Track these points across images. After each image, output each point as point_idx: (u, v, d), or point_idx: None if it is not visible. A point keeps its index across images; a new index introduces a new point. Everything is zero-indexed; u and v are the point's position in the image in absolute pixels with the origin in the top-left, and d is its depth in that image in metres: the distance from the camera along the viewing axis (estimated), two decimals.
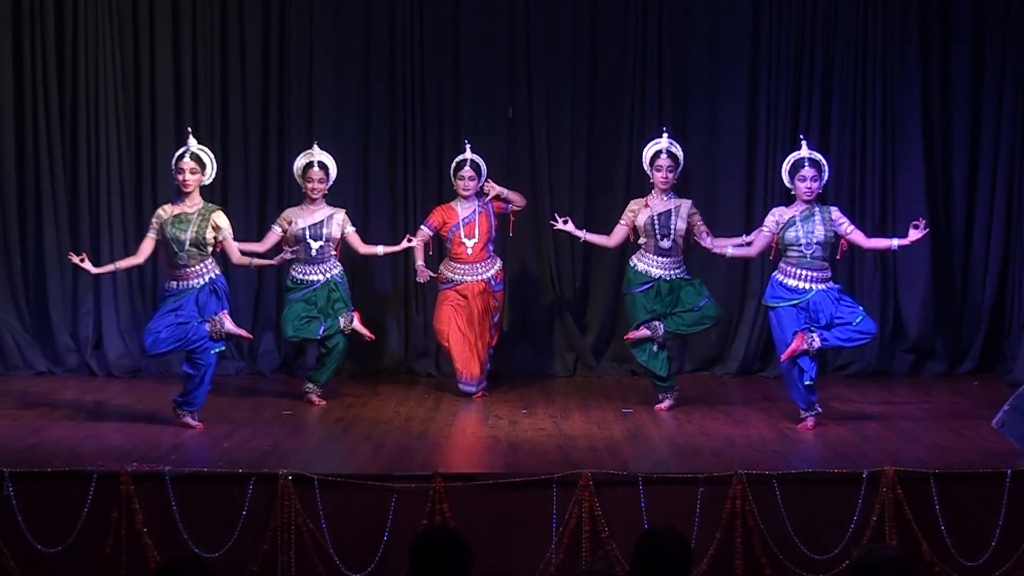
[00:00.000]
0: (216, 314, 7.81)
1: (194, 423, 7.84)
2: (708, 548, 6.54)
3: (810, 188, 7.94)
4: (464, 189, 8.99)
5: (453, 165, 9.13)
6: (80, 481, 6.62)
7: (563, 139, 10.21)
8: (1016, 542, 6.64)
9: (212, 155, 8.02)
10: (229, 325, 7.86)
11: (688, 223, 8.46)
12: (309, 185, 8.72)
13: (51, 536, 6.56)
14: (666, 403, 8.60)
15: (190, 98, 10.02)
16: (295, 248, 8.54)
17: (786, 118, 10.04)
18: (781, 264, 8.00)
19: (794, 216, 7.95)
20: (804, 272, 7.91)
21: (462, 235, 8.97)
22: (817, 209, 7.96)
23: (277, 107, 10.13)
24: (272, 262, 8.52)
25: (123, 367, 9.88)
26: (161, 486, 6.60)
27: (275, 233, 8.76)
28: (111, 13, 9.93)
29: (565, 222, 8.76)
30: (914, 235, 7.97)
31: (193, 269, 7.81)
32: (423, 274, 8.94)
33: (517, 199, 9.12)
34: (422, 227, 9.11)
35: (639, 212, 8.52)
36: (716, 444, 7.53)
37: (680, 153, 8.55)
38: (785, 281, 7.95)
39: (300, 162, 8.83)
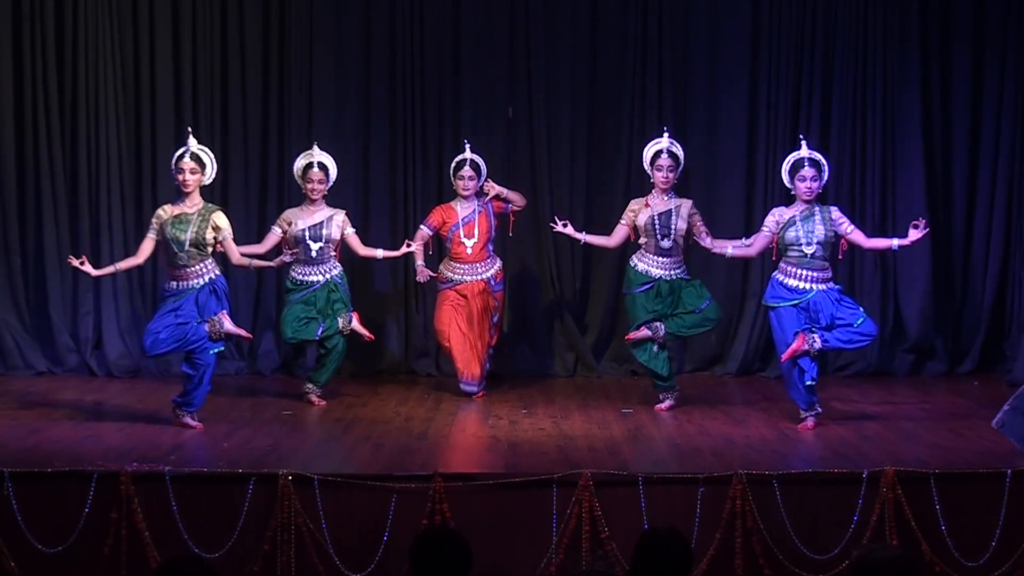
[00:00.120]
0: (215, 314, 7.81)
1: (194, 423, 7.84)
2: (708, 548, 6.54)
3: (810, 188, 7.94)
4: (464, 189, 8.99)
5: (453, 165, 9.13)
6: (80, 481, 6.62)
7: (563, 139, 10.21)
8: (1016, 542, 6.64)
9: (212, 155, 8.02)
10: (228, 325, 7.85)
11: (688, 223, 8.46)
12: (309, 186, 8.72)
13: (51, 536, 6.56)
14: (666, 403, 8.60)
15: (190, 98, 10.02)
16: (294, 251, 8.54)
17: (786, 118, 10.04)
18: (781, 264, 8.00)
19: (794, 216, 7.96)
20: (804, 272, 7.91)
21: (461, 235, 8.97)
22: (817, 209, 7.96)
23: (277, 107, 10.13)
24: (271, 264, 8.54)
25: (123, 367, 9.88)
26: (161, 486, 6.60)
27: (275, 234, 8.76)
28: (111, 13, 9.93)
29: (564, 225, 8.76)
30: (914, 235, 7.97)
31: (193, 269, 7.81)
32: (423, 274, 8.94)
33: (517, 199, 9.12)
34: (422, 227, 9.11)
35: (639, 212, 8.52)
36: (716, 444, 7.53)
37: (680, 153, 8.55)
38: (785, 281, 7.95)
39: (300, 163, 8.83)
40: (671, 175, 8.48)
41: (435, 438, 7.77)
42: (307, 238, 8.66)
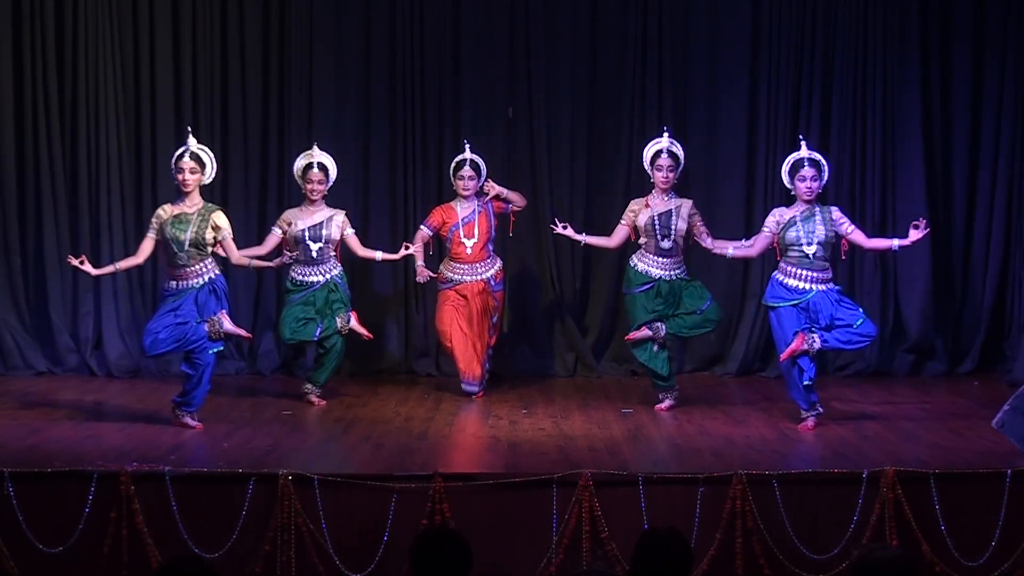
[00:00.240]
0: (215, 314, 7.81)
1: (193, 423, 7.84)
2: (708, 548, 6.54)
3: (810, 188, 7.94)
4: (464, 189, 8.99)
5: (453, 165, 9.13)
6: (80, 481, 6.62)
7: (563, 139, 10.21)
8: (1016, 542, 6.64)
9: (212, 155, 8.02)
10: (228, 325, 7.85)
11: (688, 223, 8.46)
12: (308, 186, 8.72)
13: (51, 536, 6.56)
14: (666, 403, 8.60)
15: (190, 98, 10.02)
16: (294, 252, 8.54)
17: (786, 118, 10.04)
18: (781, 264, 8.00)
19: (794, 216, 7.96)
20: (804, 272, 7.91)
21: (461, 235, 8.97)
22: (817, 209, 7.96)
23: (277, 107, 10.13)
24: (271, 264, 8.54)
25: (123, 367, 9.88)
26: (161, 486, 6.60)
27: (275, 235, 8.76)
28: (111, 13, 9.92)
29: (564, 227, 8.76)
30: (914, 235, 7.97)
31: (192, 269, 7.80)
32: (423, 274, 8.93)
33: (517, 199, 9.12)
34: (422, 227, 9.11)
35: (639, 212, 8.52)
36: (716, 444, 7.53)
37: (681, 153, 8.54)
38: (785, 281, 7.95)
39: (300, 163, 8.83)
40: (671, 175, 8.48)
41: (435, 438, 7.77)
42: (307, 238, 8.65)
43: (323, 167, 8.73)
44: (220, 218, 7.91)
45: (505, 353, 9.88)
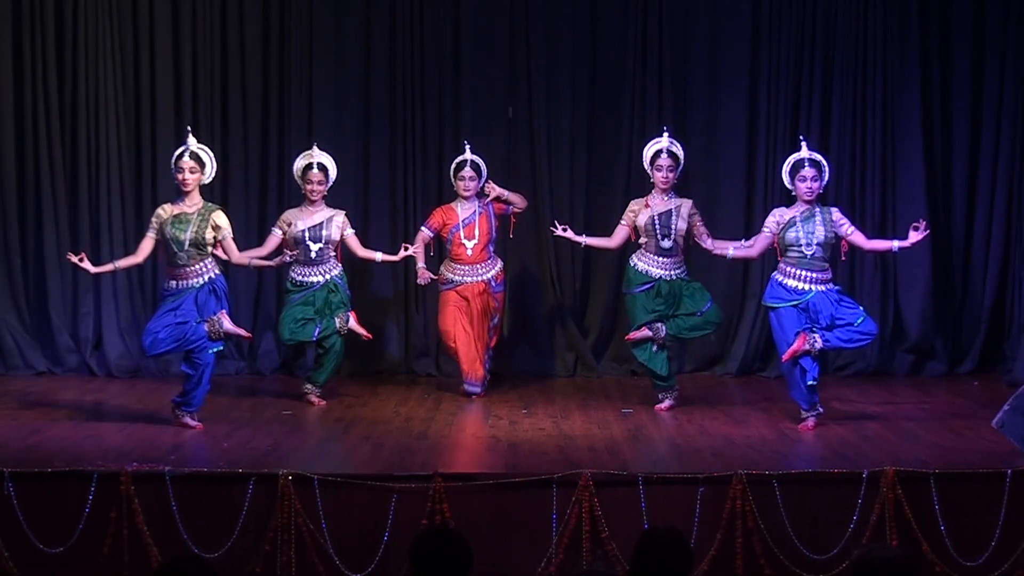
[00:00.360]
0: (215, 314, 7.80)
1: (193, 423, 7.84)
2: (708, 548, 6.54)
3: (810, 188, 7.94)
4: (464, 190, 8.99)
5: (453, 166, 9.13)
6: (80, 481, 6.62)
7: (563, 139, 10.21)
8: (1016, 542, 6.64)
9: (212, 154, 8.02)
10: (227, 325, 7.85)
11: (688, 223, 8.46)
12: (308, 187, 8.71)
13: (51, 536, 6.56)
14: (666, 403, 8.59)
15: (190, 98, 10.02)
16: (295, 251, 8.54)
17: (786, 118, 10.04)
18: (781, 264, 8.00)
19: (794, 217, 7.95)
20: (804, 273, 7.90)
21: (462, 236, 8.96)
22: (818, 210, 7.96)
23: (277, 107, 10.12)
24: (271, 263, 8.54)
25: (123, 367, 9.88)
26: (161, 486, 6.60)
27: (276, 236, 8.75)
28: (111, 13, 9.92)
29: (564, 229, 8.76)
30: (914, 237, 7.96)
31: (192, 269, 7.80)
32: (424, 276, 8.93)
33: (518, 201, 9.11)
34: (422, 228, 9.11)
35: (640, 212, 8.52)
36: (716, 444, 7.53)
37: (680, 153, 8.54)
38: (785, 281, 7.95)
39: (299, 163, 8.83)
40: (671, 175, 8.48)
41: (435, 438, 7.77)
42: (306, 239, 8.65)
43: (323, 167, 8.72)
44: (220, 218, 7.91)
45: (505, 353, 9.88)
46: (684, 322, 8.53)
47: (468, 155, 9.00)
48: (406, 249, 8.90)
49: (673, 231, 8.44)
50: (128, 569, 6.55)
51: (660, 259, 8.48)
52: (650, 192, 8.55)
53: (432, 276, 8.97)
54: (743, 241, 8.56)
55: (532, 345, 10.21)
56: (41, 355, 9.98)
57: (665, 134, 8.58)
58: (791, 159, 8.08)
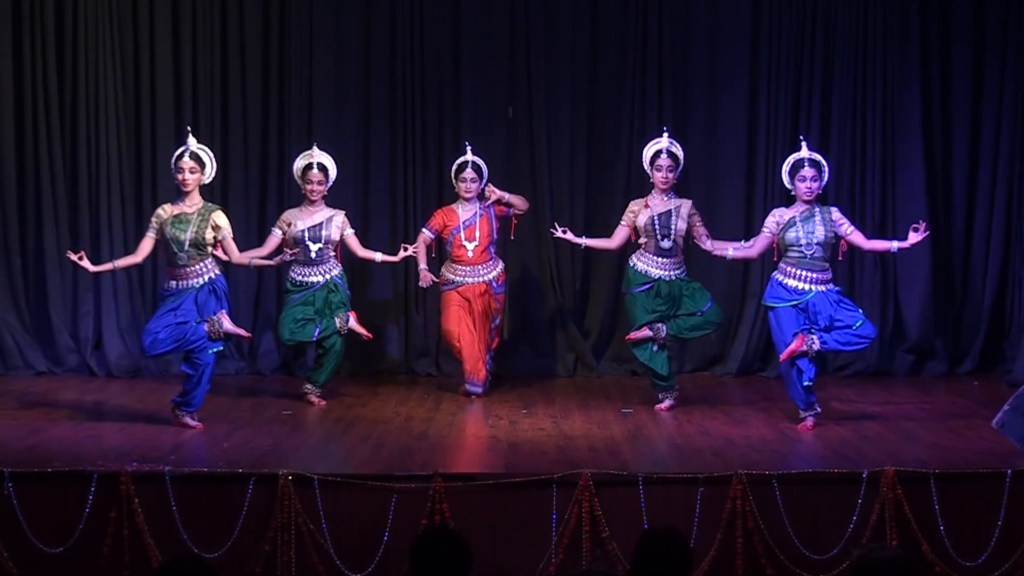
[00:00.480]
0: (215, 314, 7.80)
1: (193, 423, 7.84)
2: (708, 548, 6.54)
3: (810, 188, 7.94)
4: (465, 191, 8.98)
5: (454, 167, 9.12)
6: (80, 481, 6.62)
7: (563, 139, 10.21)
8: (1016, 542, 6.64)
9: (212, 154, 8.02)
10: (227, 325, 7.85)
11: (688, 223, 8.46)
12: (308, 187, 8.71)
13: (51, 536, 6.56)
14: (666, 403, 8.59)
15: (190, 98, 10.02)
16: (295, 251, 8.54)
17: (786, 118, 10.04)
18: (781, 264, 8.00)
19: (794, 217, 7.96)
20: (804, 273, 7.91)
21: (463, 238, 8.96)
22: (817, 210, 7.96)
23: (277, 107, 10.13)
24: (271, 262, 8.53)
25: (123, 367, 9.88)
26: (161, 486, 6.60)
27: (276, 236, 8.75)
28: (111, 13, 9.92)
29: (564, 231, 8.76)
30: (914, 238, 7.96)
31: (192, 269, 7.80)
32: (426, 278, 8.93)
33: (519, 203, 9.10)
34: (423, 230, 9.11)
35: (639, 212, 8.52)
36: (716, 444, 7.53)
37: (680, 153, 8.54)
38: (785, 281, 7.95)
39: (299, 163, 8.83)
40: (671, 175, 8.48)
41: (435, 438, 7.76)
42: (306, 239, 8.65)
43: (323, 167, 8.72)
44: (220, 218, 7.91)
45: (506, 354, 9.87)
46: (684, 322, 8.53)
47: (469, 156, 9.00)
48: (406, 250, 8.90)
49: (673, 231, 8.44)
50: (128, 569, 6.55)
51: (660, 259, 8.48)
52: (650, 192, 8.55)
53: (434, 279, 8.96)
54: (743, 242, 8.56)
55: (532, 345, 10.21)
56: (41, 355, 9.98)
57: (665, 134, 8.58)
58: (791, 159, 8.08)
